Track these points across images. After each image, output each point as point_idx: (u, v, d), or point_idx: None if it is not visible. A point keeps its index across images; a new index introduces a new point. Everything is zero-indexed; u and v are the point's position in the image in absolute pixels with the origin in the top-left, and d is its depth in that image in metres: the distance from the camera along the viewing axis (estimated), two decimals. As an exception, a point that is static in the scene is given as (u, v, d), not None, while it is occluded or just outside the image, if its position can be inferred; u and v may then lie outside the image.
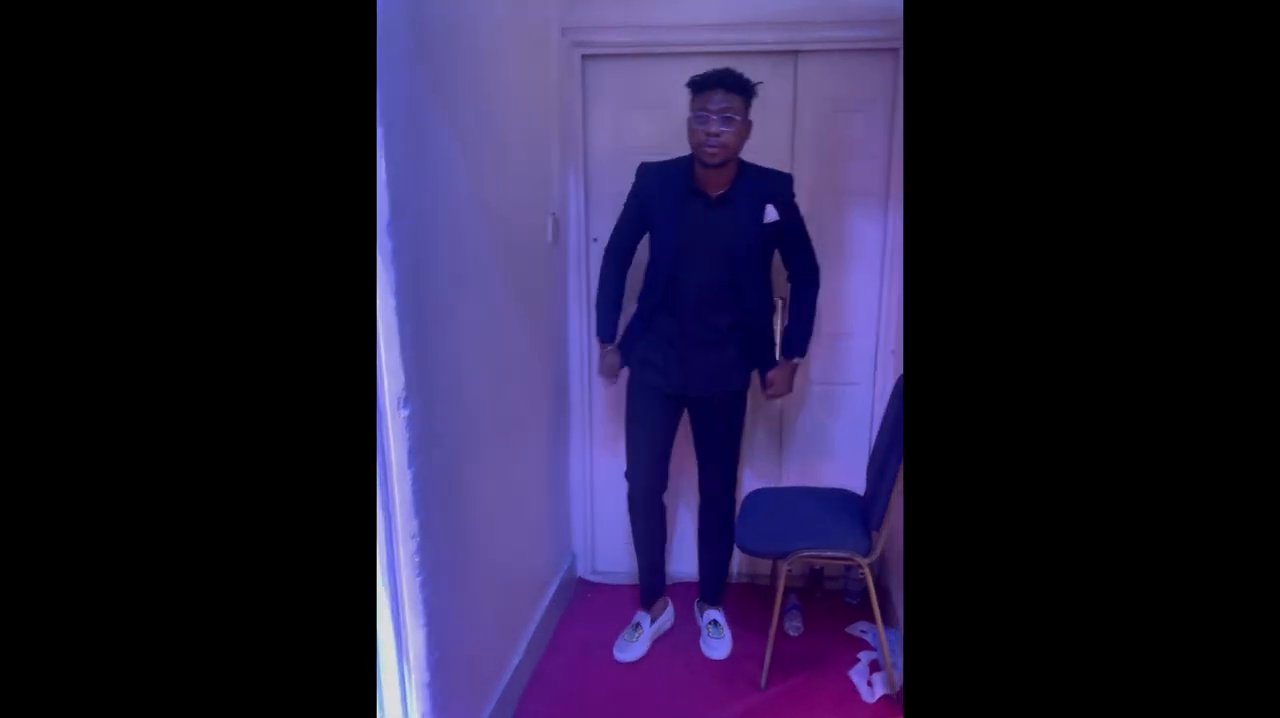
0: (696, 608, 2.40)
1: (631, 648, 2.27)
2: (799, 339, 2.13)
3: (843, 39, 2.21)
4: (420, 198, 1.35)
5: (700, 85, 1.88)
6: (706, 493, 2.25)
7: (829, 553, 2.00)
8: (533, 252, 2.09)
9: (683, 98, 1.95)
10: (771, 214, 1.99)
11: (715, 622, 2.29)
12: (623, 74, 2.35)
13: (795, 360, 2.14)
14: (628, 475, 2.26)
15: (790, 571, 2.05)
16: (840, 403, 2.51)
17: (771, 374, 2.12)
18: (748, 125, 1.92)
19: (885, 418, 2.14)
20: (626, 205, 2.12)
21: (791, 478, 2.56)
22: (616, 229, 2.17)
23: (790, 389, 2.17)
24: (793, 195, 2.03)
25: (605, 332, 2.20)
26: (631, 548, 2.62)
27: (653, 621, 2.35)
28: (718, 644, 2.25)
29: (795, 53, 2.27)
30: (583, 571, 2.69)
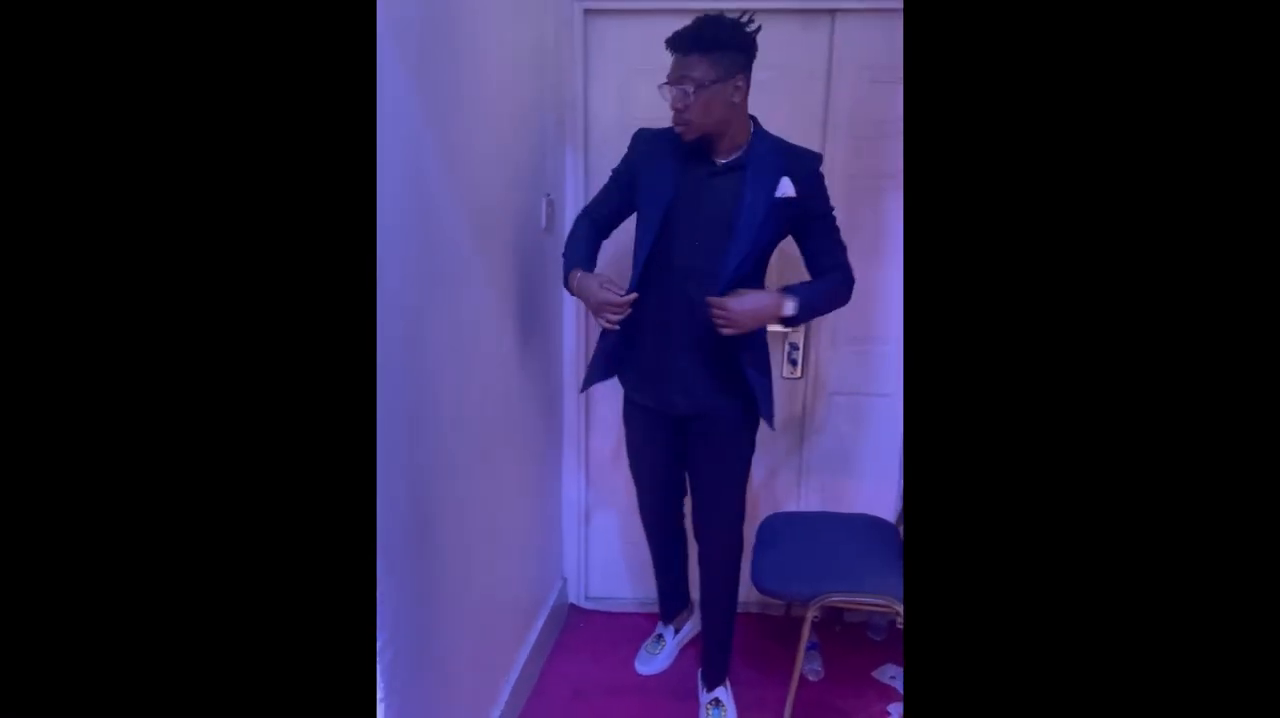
0: (699, 681, 2.02)
1: (654, 661, 2.11)
2: (808, 291, 1.63)
3: (889, -3, 1.89)
4: (382, 181, 1.05)
5: (669, 48, 1.54)
6: (701, 546, 1.88)
7: (864, 599, 1.73)
8: (522, 240, 1.79)
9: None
10: (787, 188, 1.59)
11: (718, 701, 1.93)
12: (632, 32, 2.02)
13: (785, 301, 1.58)
14: (640, 507, 2.02)
15: (816, 618, 1.77)
16: (868, 417, 2.23)
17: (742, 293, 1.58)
18: (727, 90, 1.51)
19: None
20: (614, 173, 1.76)
21: (811, 499, 2.28)
22: (595, 198, 1.80)
23: (745, 317, 1.55)
24: (820, 177, 1.65)
25: (577, 259, 1.70)
26: (629, 572, 2.38)
27: (676, 631, 2.17)
28: None
29: (832, 11, 1.96)
30: (575, 596, 2.41)
